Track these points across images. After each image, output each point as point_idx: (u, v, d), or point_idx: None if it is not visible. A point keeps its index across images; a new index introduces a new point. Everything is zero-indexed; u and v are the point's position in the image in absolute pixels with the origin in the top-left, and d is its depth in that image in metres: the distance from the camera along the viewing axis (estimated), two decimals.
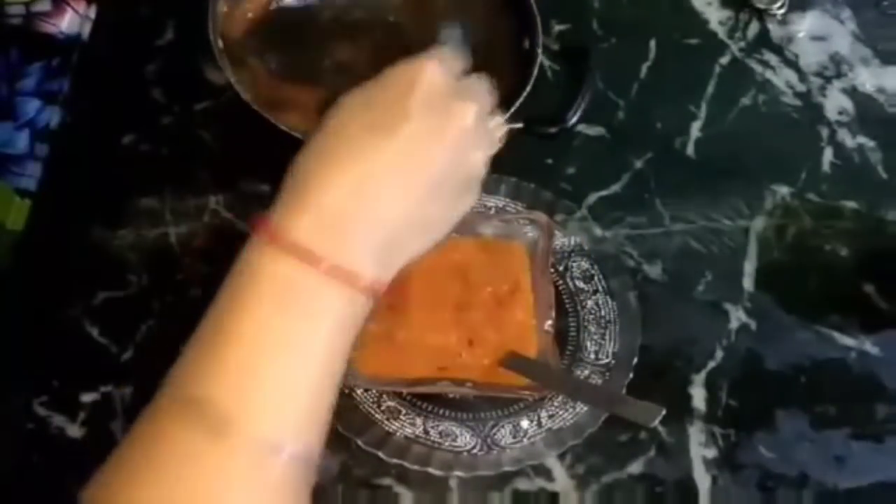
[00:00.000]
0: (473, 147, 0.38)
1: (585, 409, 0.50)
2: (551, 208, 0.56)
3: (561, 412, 0.50)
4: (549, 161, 0.61)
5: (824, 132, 0.63)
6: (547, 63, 0.64)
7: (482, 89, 0.39)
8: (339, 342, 0.35)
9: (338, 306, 0.34)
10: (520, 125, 0.49)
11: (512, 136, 0.48)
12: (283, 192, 0.36)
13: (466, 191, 0.39)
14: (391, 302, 0.52)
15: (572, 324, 0.54)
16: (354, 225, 0.35)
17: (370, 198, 0.35)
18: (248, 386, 0.32)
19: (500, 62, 0.53)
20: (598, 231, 0.56)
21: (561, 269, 0.55)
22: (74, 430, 0.50)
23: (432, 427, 0.50)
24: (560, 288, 0.55)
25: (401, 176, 0.36)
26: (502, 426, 0.50)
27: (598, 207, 0.59)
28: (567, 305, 0.54)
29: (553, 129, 0.53)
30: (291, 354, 0.33)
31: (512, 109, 0.50)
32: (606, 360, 0.52)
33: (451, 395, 0.51)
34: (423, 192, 0.36)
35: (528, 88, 0.51)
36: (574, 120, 0.52)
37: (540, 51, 0.53)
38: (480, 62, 0.42)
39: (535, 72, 0.52)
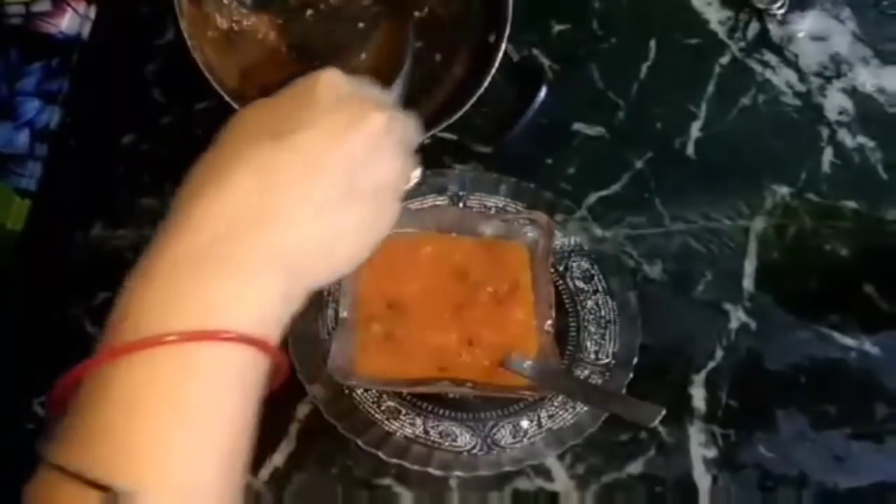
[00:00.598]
0: (380, 158, 0.35)
1: (585, 409, 0.50)
2: (551, 208, 0.56)
3: (561, 412, 0.50)
4: (549, 161, 0.61)
5: (824, 132, 0.63)
6: (547, 63, 0.64)
7: (404, 118, 0.37)
8: (244, 397, 0.30)
9: (227, 373, 0.30)
10: (454, 137, 0.51)
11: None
12: (168, 216, 0.31)
13: (376, 204, 0.36)
14: (390, 302, 0.52)
15: (572, 324, 0.54)
16: (233, 264, 0.30)
17: (256, 223, 0.31)
18: (135, 446, 0.28)
19: (463, 51, 0.55)
20: (598, 231, 0.56)
21: (561, 269, 0.55)
22: None
23: (432, 427, 0.50)
24: (560, 288, 0.55)
25: (296, 189, 0.32)
26: (502, 426, 0.50)
27: (598, 207, 0.59)
28: (567, 305, 0.54)
29: (487, 149, 0.54)
30: (192, 392, 0.29)
31: (467, 105, 0.51)
32: (606, 360, 0.52)
33: (451, 395, 0.51)
34: (322, 206, 0.33)
35: (485, 84, 0.51)
36: (512, 133, 0.54)
37: (503, 48, 0.52)
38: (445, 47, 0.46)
39: (494, 69, 0.52)
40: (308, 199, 0.33)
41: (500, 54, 0.52)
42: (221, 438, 0.29)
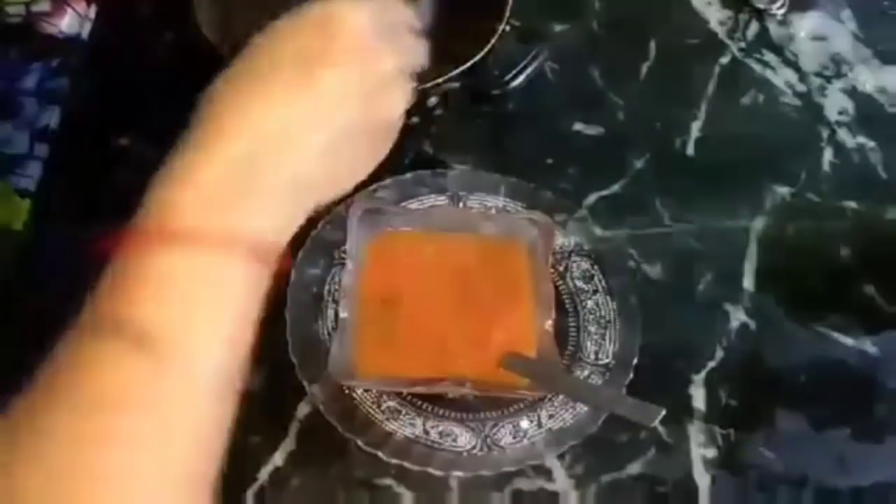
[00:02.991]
0: (390, 94, 0.38)
1: (585, 409, 0.50)
2: (551, 208, 0.56)
3: (561, 412, 0.50)
4: (549, 161, 0.61)
5: (824, 132, 0.63)
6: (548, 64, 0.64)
7: (411, 44, 0.40)
8: (253, 291, 0.35)
9: (241, 282, 0.34)
10: (456, 85, 0.54)
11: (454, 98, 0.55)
12: (193, 132, 0.36)
13: (381, 137, 0.40)
14: (391, 302, 0.52)
15: (572, 324, 0.54)
16: (258, 180, 0.35)
17: (281, 149, 0.35)
18: (164, 314, 0.32)
19: (473, 35, 0.58)
20: (598, 231, 0.56)
21: (561, 269, 0.55)
22: None
23: (432, 427, 0.50)
24: (560, 288, 0.55)
25: (313, 124, 0.36)
26: (502, 426, 0.50)
27: (598, 207, 0.59)
28: (567, 305, 0.54)
29: (495, 91, 0.59)
30: (206, 288, 0.34)
31: (463, 67, 0.54)
32: (606, 360, 0.52)
33: (451, 395, 0.51)
34: (335, 140, 0.36)
35: (484, 51, 0.55)
36: (514, 83, 0.59)
37: (500, 28, 0.57)
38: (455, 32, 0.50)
39: (492, 42, 0.56)
40: (325, 132, 0.36)
41: (497, 33, 0.57)
42: (232, 323, 0.34)
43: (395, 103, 0.39)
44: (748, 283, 0.57)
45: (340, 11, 0.37)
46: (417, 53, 0.41)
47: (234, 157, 0.34)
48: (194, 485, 0.33)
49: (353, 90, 0.37)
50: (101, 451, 0.31)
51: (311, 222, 0.55)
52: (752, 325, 0.55)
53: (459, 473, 0.49)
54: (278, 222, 0.36)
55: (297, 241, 0.54)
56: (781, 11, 0.68)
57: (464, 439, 0.49)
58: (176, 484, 0.32)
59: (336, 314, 0.52)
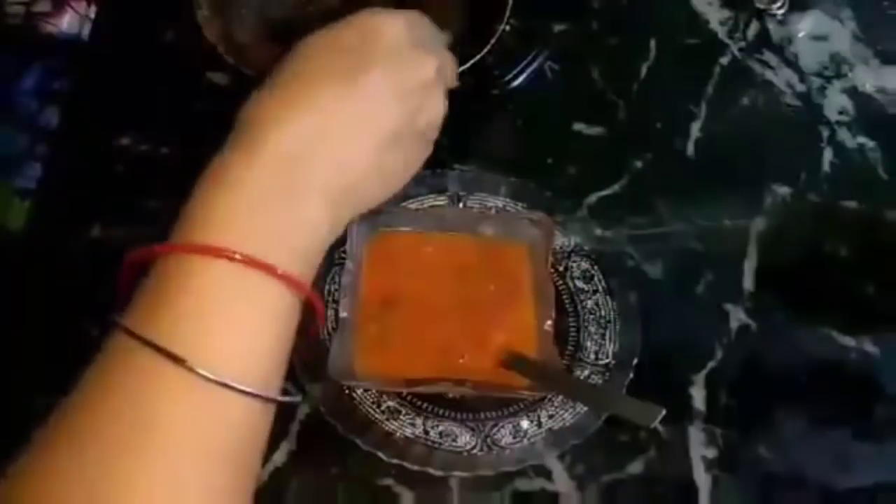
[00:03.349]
0: (431, 100, 0.39)
1: (585, 409, 0.50)
2: (551, 208, 0.56)
3: (561, 412, 0.50)
4: (549, 161, 0.61)
5: (824, 132, 0.63)
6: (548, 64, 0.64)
7: (443, 46, 0.41)
8: (290, 316, 0.35)
9: (278, 303, 0.34)
10: (455, 84, 0.53)
11: (454, 98, 0.51)
12: (236, 136, 0.35)
13: (422, 143, 0.40)
14: (391, 301, 0.52)
15: (572, 324, 0.54)
16: (306, 189, 0.35)
17: (327, 148, 0.35)
18: (205, 330, 0.32)
19: (473, 35, 0.57)
20: (598, 231, 0.56)
21: (561, 269, 0.55)
22: None
23: (432, 427, 0.50)
24: (560, 288, 0.55)
25: (360, 127, 0.36)
26: (502, 426, 0.50)
27: (598, 207, 0.59)
28: (567, 305, 0.54)
29: (495, 91, 0.59)
30: (247, 307, 0.33)
31: (463, 67, 0.52)
32: (606, 360, 0.52)
33: (451, 395, 0.51)
34: (381, 144, 0.37)
35: (484, 51, 0.54)
36: (514, 83, 0.59)
37: (500, 28, 0.55)
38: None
39: (492, 42, 0.55)
40: (362, 141, 0.36)
41: (498, 33, 0.55)
42: (269, 342, 0.33)
43: (436, 107, 0.40)
44: (748, 283, 0.57)
45: (376, 22, 0.38)
46: (449, 65, 0.42)
47: (281, 167, 0.34)
48: (230, 496, 0.32)
49: (395, 93, 0.37)
50: (137, 460, 0.30)
51: None
52: (752, 325, 0.55)
53: (459, 473, 0.49)
54: (307, 245, 0.35)
55: None
56: (781, 11, 0.68)
57: (464, 439, 0.49)
58: (210, 495, 0.31)
59: (336, 314, 0.52)
